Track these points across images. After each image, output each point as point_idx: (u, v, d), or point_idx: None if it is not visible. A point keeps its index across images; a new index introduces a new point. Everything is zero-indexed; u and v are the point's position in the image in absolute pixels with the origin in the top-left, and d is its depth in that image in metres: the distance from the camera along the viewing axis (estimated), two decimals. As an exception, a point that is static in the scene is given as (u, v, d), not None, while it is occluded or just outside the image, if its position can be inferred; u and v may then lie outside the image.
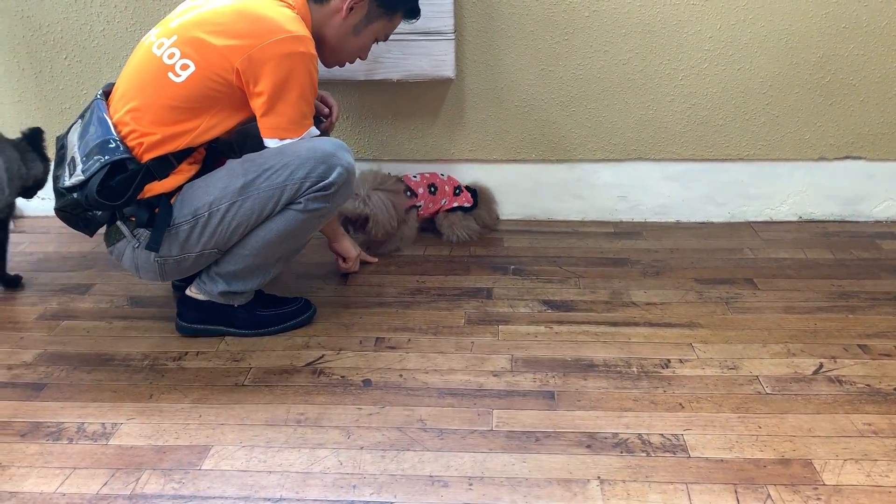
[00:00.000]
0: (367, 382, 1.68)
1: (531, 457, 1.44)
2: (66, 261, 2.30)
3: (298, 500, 1.34)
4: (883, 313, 1.93)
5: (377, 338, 1.86)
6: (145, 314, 1.98)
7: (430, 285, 2.13)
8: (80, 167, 1.62)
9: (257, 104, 1.65)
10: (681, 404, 1.59)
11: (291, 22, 1.64)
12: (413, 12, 1.89)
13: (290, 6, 1.69)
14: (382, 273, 2.20)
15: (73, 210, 1.67)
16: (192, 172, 1.73)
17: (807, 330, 1.86)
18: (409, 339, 1.85)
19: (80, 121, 1.73)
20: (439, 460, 1.43)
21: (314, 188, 1.69)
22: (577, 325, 1.90)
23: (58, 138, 1.77)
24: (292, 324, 1.88)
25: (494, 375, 1.69)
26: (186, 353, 1.79)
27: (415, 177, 2.36)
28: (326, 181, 1.68)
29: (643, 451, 1.45)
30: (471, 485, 1.37)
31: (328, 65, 1.89)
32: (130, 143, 1.64)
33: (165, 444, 1.48)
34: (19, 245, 2.41)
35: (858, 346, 1.79)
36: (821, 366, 1.71)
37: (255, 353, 1.79)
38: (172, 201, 1.70)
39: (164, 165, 1.66)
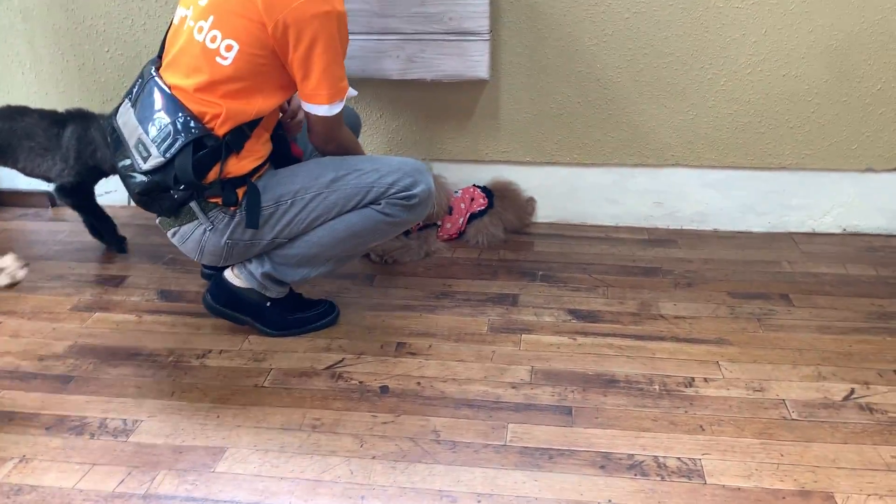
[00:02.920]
0: (384, 389, 1.68)
1: (543, 475, 1.42)
2: (104, 251, 2.35)
3: (307, 508, 1.36)
4: (924, 337, 1.86)
5: (398, 342, 1.86)
6: (174, 308, 2.01)
7: (456, 289, 2.11)
8: (154, 149, 1.61)
9: (293, 69, 1.62)
10: (701, 426, 1.55)
11: None
12: None
13: None
14: (409, 275, 2.20)
15: (153, 193, 1.67)
16: (265, 153, 1.72)
17: (840, 352, 1.80)
18: (431, 346, 1.84)
19: (127, 101, 1.71)
20: (450, 474, 1.43)
21: (398, 195, 1.72)
22: (602, 338, 1.86)
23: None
24: (315, 327, 1.90)
25: (513, 387, 1.68)
26: (210, 351, 1.82)
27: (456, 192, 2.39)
28: (411, 192, 1.73)
29: (658, 475, 1.42)
30: (479, 502, 1.36)
31: None
32: (203, 120, 1.62)
33: (182, 444, 1.51)
34: (59, 234, 2.47)
35: (894, 371, 1.72)
36: (852, 391, 1.65)
37: (277, 353, 1.81)
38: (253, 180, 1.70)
39: (239, 137, 1.65)
